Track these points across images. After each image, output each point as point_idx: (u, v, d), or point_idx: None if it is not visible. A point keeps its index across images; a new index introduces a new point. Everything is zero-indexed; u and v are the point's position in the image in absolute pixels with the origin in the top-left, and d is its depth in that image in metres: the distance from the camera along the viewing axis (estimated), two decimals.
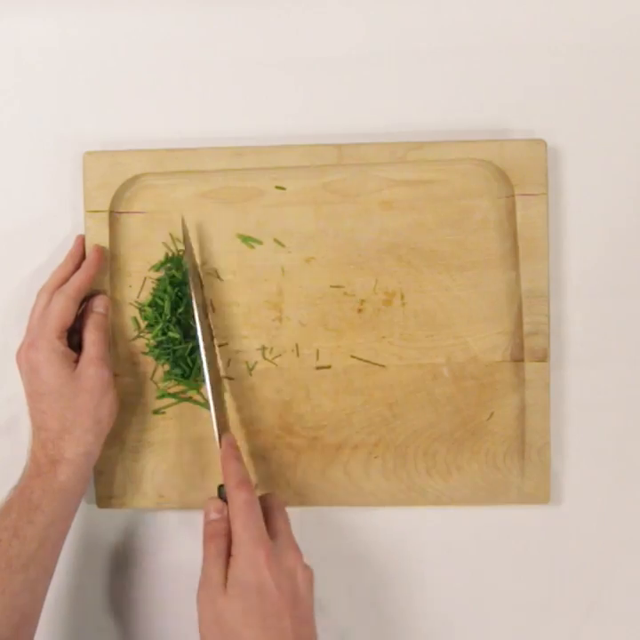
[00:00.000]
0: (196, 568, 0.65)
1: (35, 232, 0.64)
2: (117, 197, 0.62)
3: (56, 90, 0.64)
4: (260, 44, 0.64)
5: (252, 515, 0.52)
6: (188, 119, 0.64)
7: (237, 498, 0.52)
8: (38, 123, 0.64)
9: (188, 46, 0.64)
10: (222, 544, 0.52)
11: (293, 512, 0.64)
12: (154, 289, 0.62)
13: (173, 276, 0.62)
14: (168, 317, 0.62)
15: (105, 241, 0.62)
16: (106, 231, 0.62)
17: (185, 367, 0.62)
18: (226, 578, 0.51)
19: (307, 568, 0.53)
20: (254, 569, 0.50)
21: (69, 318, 0.58)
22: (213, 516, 0.53)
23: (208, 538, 0.53)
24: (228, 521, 0.53)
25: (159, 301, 0.62)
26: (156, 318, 0.62)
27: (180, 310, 0.62)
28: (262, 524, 0.52)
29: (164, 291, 0.62)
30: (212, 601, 0.50)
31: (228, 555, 0.51)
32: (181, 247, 0.62)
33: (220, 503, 0.54)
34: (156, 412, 0.63)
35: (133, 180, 0.62)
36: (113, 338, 0.62)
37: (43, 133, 0.64)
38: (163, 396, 0.63)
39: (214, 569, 0.51)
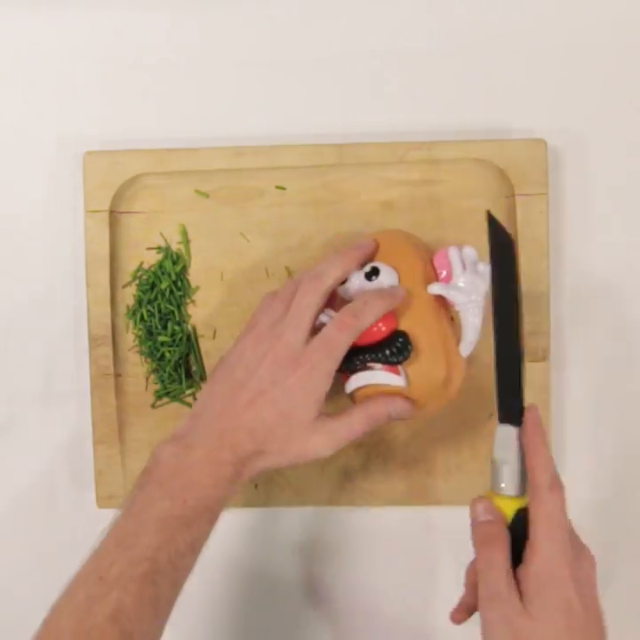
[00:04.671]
0: (196, 567, 0.65)
1: (35, 232, 0.64)
2: (117, 197, 0.62)
3: (56, 90, 0.64)
4: (259, 44, 0.64)
5: (563, 522, 0.46)
6: (188, 119, 0.64)
7: (549, 502, 0.46)
8: (38, 123, 0.64)
9: (187, 46, 0.64)
10: (503, 550, 0.47)
11: (293, 512, 0.64)
12: (135, 294, 0.63)
13: (154, 283, 0.62)
14: (150, 324, 0.62)
15: (105, 241, 0.62)
16: (106, 231, 0.62)
17: (172, 372, 0.62)
18: (518, 591, 0.46)
19: (594, 565, 0.47)
20: (559, 586, 0.45)
21: None
22: (485, 517, 0.48)
23: (483, 542, 0.47)
24: (502, 522, 0.48)
25: (140, 308, 0.62)
26: (136, 323, 0.63)
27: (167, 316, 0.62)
28: (568, 534, 0.47)
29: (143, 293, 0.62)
30: (508, 620, 0.45)
31: (510, 562, 0.47)
32: (175, 247, 0.63)
33: (489, 503, 0.49)
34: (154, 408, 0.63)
35: (133, 179, 0.62)
36: (113, 338, 0.62)
37: (43, 133, 0.64)
38: (162, 396, 0.63)
39: (501, 581, 0.46)
